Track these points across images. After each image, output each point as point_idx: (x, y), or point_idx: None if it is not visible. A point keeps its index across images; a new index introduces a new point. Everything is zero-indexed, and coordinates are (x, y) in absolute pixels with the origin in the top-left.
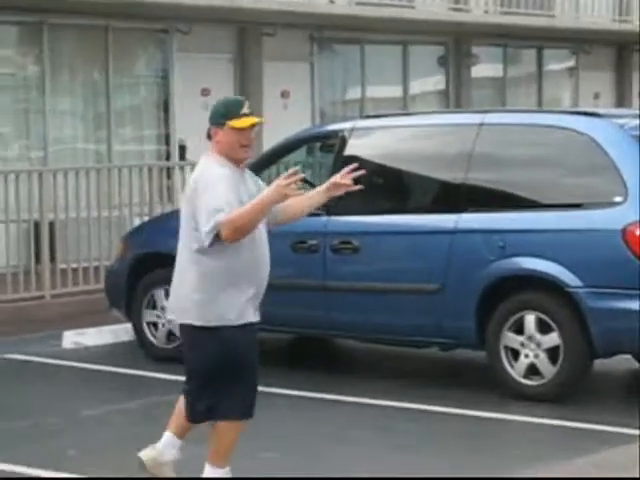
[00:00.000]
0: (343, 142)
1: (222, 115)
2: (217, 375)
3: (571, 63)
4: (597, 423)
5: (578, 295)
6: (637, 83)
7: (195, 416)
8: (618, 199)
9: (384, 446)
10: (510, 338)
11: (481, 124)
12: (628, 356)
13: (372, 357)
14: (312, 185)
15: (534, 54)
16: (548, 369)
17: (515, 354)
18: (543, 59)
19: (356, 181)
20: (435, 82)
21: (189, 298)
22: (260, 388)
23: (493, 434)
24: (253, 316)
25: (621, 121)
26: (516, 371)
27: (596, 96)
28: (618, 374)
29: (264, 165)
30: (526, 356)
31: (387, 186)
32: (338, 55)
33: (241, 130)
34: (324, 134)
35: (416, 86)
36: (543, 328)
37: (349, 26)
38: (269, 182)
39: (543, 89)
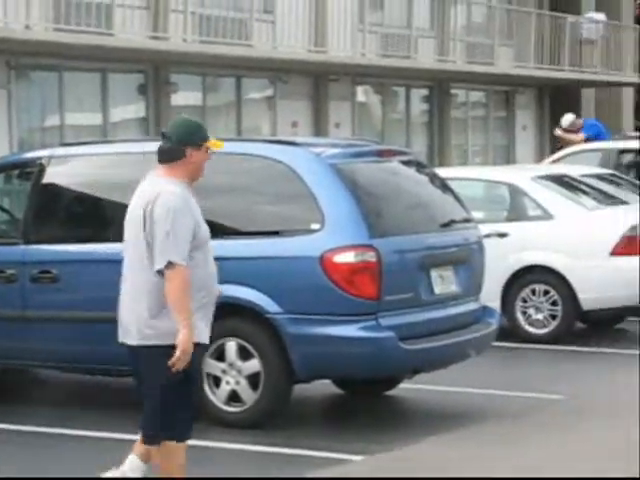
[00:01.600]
0: (41, 170)
1: (200, 137)
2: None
3: (269, 92)
4: (299, 447)
5: (277, 321)
6: (333, 113)
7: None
8: (315, 226)
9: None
10: (211, 365)
11: None
12: (327, 381)
13: (69, 386)
14: (9, 213)
15: (233, 83)
16: (249, 395)
17: (217, 381)
18: (242, 88)
19: (55, 209)
20: (135, 110)
21: (142, 319)
22: None
23: (194, 461)
24: (204, 336)
25: (318, 150)
26: (217, 398)
27: (294, 125)
28: (318, 399)
29: None
30: (227, 383)
31: (86, 214)
32: (36, 82)
33: (208, 151)
34: (22, 162)
35: (116, 114)
36: (244, 355)
37: (47, 53)
38: None
39: (242, 117)
